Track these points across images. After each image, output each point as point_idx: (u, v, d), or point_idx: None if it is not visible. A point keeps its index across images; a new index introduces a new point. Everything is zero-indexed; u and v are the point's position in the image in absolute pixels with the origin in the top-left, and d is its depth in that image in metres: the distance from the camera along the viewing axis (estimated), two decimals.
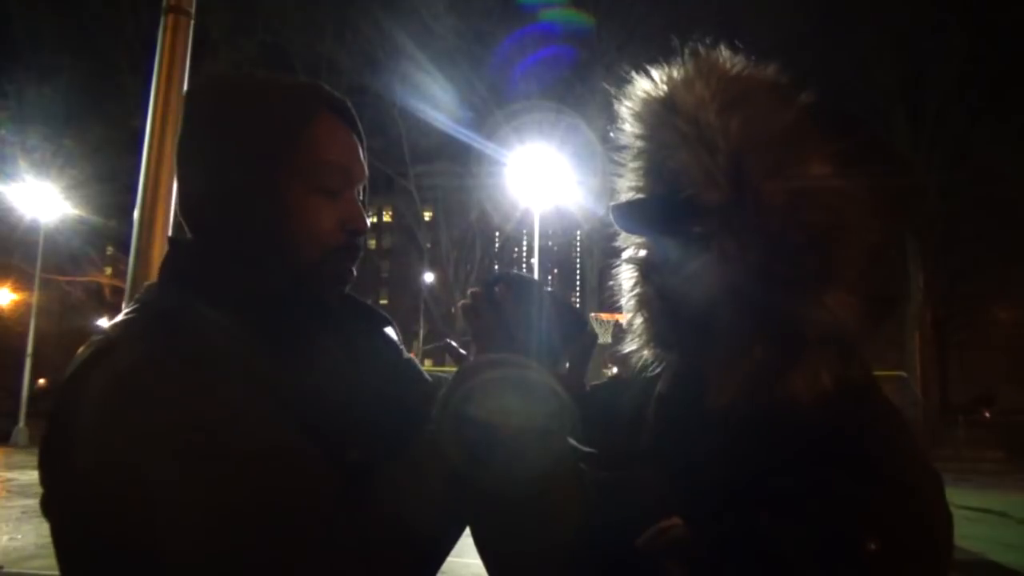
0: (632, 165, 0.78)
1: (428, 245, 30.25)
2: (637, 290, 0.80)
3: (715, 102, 0.68)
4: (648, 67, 0.74)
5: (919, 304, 19.11)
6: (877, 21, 18.94)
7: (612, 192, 0.80)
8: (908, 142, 19.54)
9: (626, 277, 0.81)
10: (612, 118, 0.78)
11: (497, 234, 32.38)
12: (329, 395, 0.79)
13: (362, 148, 0.89)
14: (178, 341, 0.71)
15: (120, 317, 0.78)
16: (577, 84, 23.80)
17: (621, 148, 0.78)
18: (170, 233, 2.55)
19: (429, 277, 32.22)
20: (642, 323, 0.80)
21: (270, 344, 0.77)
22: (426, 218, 30.44)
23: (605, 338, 21.37)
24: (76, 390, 0.69)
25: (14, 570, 5.67)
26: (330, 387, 0.80)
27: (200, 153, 0.82)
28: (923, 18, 18.29)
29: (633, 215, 0.76)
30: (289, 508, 0.67)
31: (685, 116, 0.69)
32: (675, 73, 0.72)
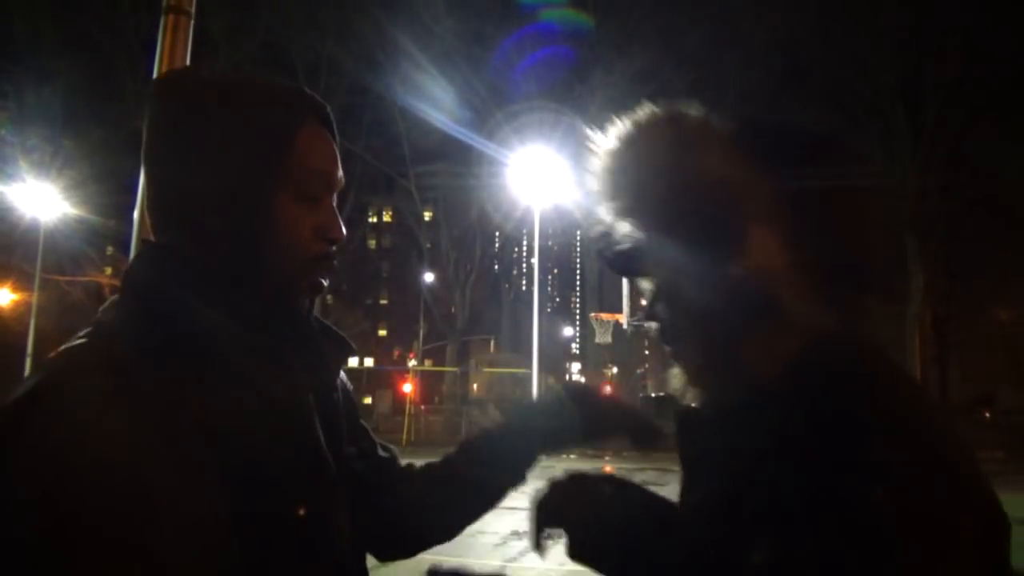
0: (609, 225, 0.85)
1: (428, 245, 30.26)
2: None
3: (624, 152, 0.79)
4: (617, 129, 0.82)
5: (919, 304, 19.11)
6: (877, 21, 18.94)
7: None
8: (908, 142, 19.55)
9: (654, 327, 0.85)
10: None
11: (497, 234, 32.37)
12: (290, 435, 0.77)
13: (339, 154, 0.88)
14: (125, 391, 0.67)
15: (73, 343, 0.73)
16: (577, 84, 23.83)
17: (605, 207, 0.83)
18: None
19: (429, 277, 32.23)
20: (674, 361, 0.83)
21: (235, 377, 0.74)
22: (426, 218, 30.44)
23: (605, 338, 21.38)
24: (14, 428, 0.64)
25: None
26: (292, 425, 0.78)
27: (183, 154, 0.78)
28: (923, 18, 18.29)
29: (612, 264, 0.84)
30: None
31: (615, 175, 0.79)
32: (602, 149, 0.82)
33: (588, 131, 0.82)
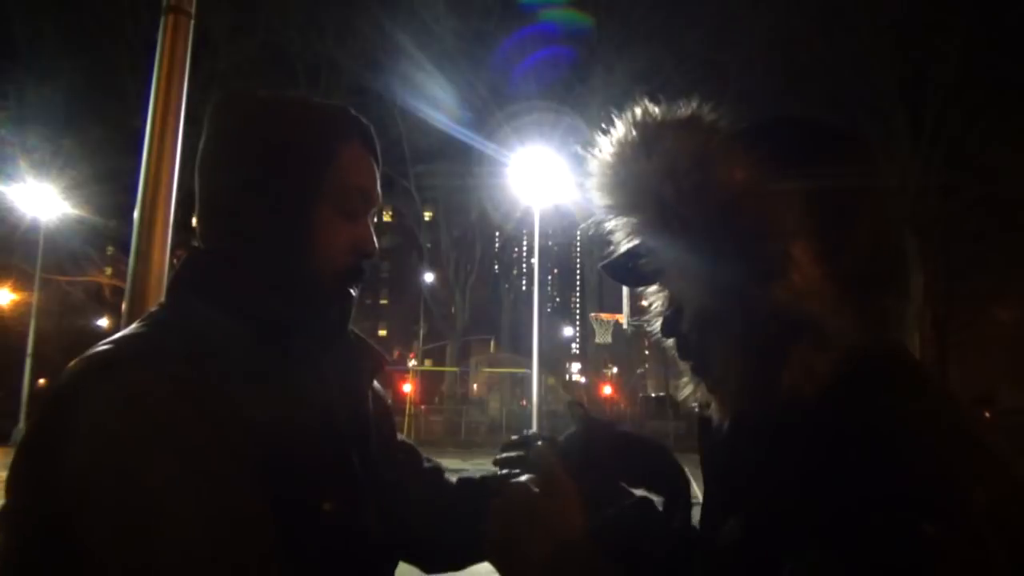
0: (609, 230, 0.81)
1: (428, 245, 30.25)
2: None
3: (639, 150, 0.72)
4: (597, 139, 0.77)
5: (919, 304, 19.09)
6: (876, 21, 18.93)
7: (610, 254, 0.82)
8: (908, 142, 19.54)
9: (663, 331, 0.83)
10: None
11: (497, 234, 32.39)
12: (318, 437, 0.80)
13: (379, 173, 0.93)
14: (180, 374, 0.70)
15: (128, 331, 0.78)
16: (577, 84, 23.84)
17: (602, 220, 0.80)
18: (169, 234, 2.55)
19: (429, 277, 32.22)
20: (684, 365, 0.80)
21: (272, 376, 0.78)
22: (426, 218, 30.42)
23: (605, 338, 21.39)
24: (72, 403, 0.67)
25: None
26: (321, 427, 0.81)
27: (234, 166, 0.84)
28: (923, 18, 18.29)
29: (613, 272, 0.80)
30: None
31: (622, 171, 0.74)
32: (611, 140, 0.76)
33: (589, 133, 0.78)
